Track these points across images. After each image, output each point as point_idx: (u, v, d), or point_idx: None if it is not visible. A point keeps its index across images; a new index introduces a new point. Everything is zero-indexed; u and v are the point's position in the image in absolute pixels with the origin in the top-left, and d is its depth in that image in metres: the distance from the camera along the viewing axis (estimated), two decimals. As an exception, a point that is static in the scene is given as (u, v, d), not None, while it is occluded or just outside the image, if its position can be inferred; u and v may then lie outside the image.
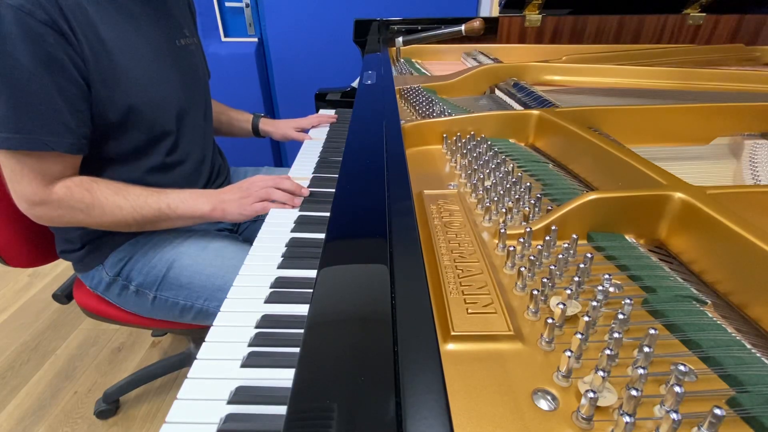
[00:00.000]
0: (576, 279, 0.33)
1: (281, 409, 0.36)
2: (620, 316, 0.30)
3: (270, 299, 0.51)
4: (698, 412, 0.24)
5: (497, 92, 0.88)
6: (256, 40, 1.90)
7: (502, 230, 0.40)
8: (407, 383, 0.22)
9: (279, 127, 1.09)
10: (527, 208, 0.44)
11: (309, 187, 0.74)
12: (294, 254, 0.59)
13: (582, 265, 0.35)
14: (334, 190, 0.45)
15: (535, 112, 0.65)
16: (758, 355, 0.28)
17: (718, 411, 0.22)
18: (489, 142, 0.61)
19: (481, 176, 0.52)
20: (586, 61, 1.04)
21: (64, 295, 0.95)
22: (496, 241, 0.41)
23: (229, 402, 0.39)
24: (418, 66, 1.14)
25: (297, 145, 1.00)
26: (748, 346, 0.28)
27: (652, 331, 0.27)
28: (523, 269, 0.35)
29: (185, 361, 1.18)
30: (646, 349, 0.26)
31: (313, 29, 1.85)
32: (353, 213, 0.40)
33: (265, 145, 2.11)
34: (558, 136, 0.61)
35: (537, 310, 0.32)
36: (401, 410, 0.21)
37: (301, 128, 1.08)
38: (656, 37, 1.27)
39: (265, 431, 0.36)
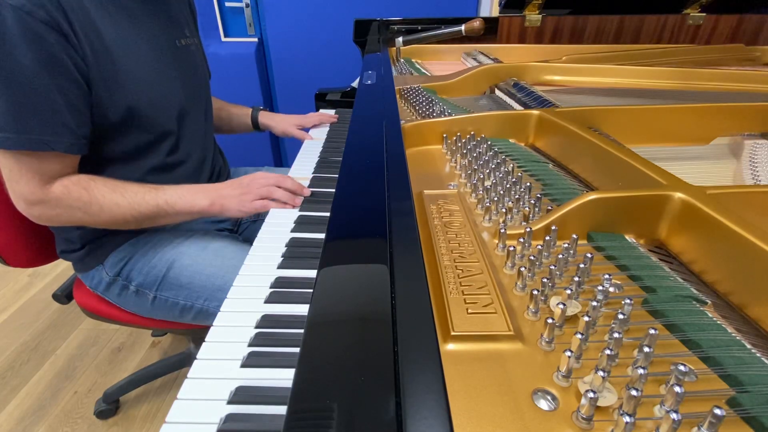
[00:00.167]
0: (576, 279, 0.33)
1: (281, 409, 0.36)
2: (620, 316, 0.30)
3: (270, 299, 0.51)
4: (698, 412, 0.24)
5: (497, 92, 0.88)
6: (256, 40, 1.90)
7: (502, 230, 0.40)
8: (407, 383, 0.22)
9: (280, 122, 1.08)
10: (527, 208, 0.44)
11: (309, 187, 0.74)
12: (294, 254, 0.59)
13: (582, 265, 0.35)
14: (334, 190, 0.45)
15: (535, 112, 0.65)
16: (758, 355, 0.28)
17: (718, 411, 0.22)
18: (489, 142, 0.61)
19: (481, 176, 0.52)
20: (586, 61, 1.04)
21: (64, 295, 0.95)
22: (496, 241, 0.41)
23: (229, 402, 0.39)
24: (418, 66, 1.14)
25: (297, 144, 1.00)
26: (748, 346, 0.28)
27: (652, 331, 0.27)
28: (523, 269, 0.35)
29: (185, 361, 1.18)
30: (646, 349, 0.26)
31: (313, 29, 1.85)
32: (353, 213, 0.40)
33: (265, 144, 2.11)
34: (558, 136, 0.61)
35: (537, 310, 0.32)
36: (401, 410, 0.21)
37: (302, 126, 1.07)
38: (656, 37, 1.27)
39: (265, 431, 0.36)
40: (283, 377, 0.41)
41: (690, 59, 1.11)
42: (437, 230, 0.42)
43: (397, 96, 0.84)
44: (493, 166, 0.54)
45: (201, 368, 0.42)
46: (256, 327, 0.47)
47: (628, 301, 0.31)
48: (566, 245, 0.38)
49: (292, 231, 0.64)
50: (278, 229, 0.65)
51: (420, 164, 0.60)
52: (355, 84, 1.29)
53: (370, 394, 0.22)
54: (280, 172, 0.87)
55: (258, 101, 1.91)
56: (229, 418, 0.37)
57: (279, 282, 0.54)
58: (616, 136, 0.62)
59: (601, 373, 0.25)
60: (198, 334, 1.03)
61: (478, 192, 0.49)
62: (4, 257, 0.85)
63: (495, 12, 1.80)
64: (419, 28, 1.27)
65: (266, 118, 1.08)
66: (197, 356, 0.43)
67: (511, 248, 0.37)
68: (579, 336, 0.27)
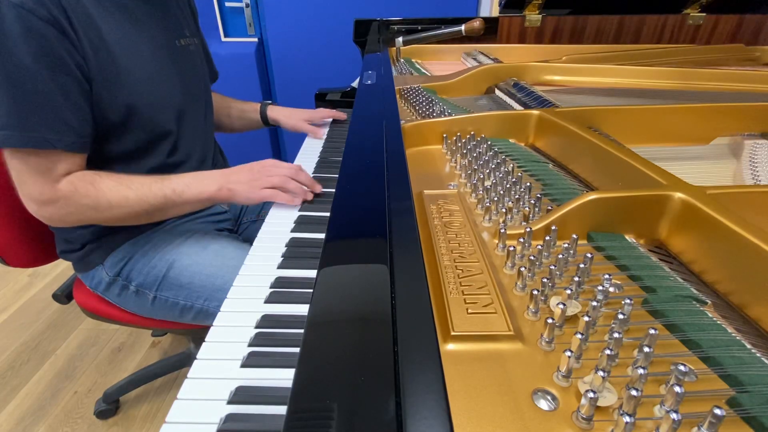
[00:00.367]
0: (576, 279, 0.33)
1: (281, 409, 0.36)
2: (620, 316, 0.30)
3: (270, 299, 0.51)
4: (698, 412, 0.24)
5: (497, 92, 0.88)
6: (256, 40, 1.90)
7: (502, 230, 0.40)
8: (407, 383, 0.22)
9: (289, 117, 1.06)
10: (527, 208, 0.44)
11: (309, 186, 0.73)
12: (294, 254, 0.59)
13: (582, 265, 0.35)
14: (334, 190, 0.45)
15: (535, 112, 0.65)
16: (758, 355, 0.28)
17: (718, 411, 0.22)
18: (489, 142, 0.61)
19: (481, 176, 0.52)
20: (586, 61, 1.04)
21: (64, 295, 0.95)
22: (496, 241, 0.41)
23: (229, 402, 0.39)
24: (418, 66, 1.14)
25: (297, 144, 1.00)
26: (748, 346, 0.28)
27: (652, 331, 0.27)
28: (523, 269, 0.35)
29: (185, 361, 1.18)
30: (646, 349, 0.26)
31: (313, 29, 1.85)
32: (353, 213, 0.40)
33: (265, 144, 2.11)
34: (558, 136, 0.61)
35: (537, 310, 0.32)
36: (401, 410, 0.21)
37: (312, 121, 1.05)
38: (656, 37, 1.27)
39: (265, 431, 0.36)
40: (283, 377, 0.41)
41: (690, 59, 1.11)
42: (437, 230, 0.42)
43: (397, 96, 0.84)
44: (493, 166, 0.54)
45: (201, 368, 0.42)
46: (256, 327, 0.47)
47: (628, 301, 0.31)
48: (566, 245, 0.38)
49: (292, 231, 0.64)
50: (278, 229, 0.65)
51: (420, 164, 0.60)
52: (355, 84, 1.29)
53: (370, 394, 0.22)
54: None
55: (258, 101, 1.91)
56: (229, 418, 0.37)
57: (279, 282, 0.54)
58: (616, 136, 0.62)
59: (601, 373, 0.25)
60: (198, 334, 1.03)
61: (478, 192, 0.49)
62: (4, 257, 0.85)
63: (495, 12, 1.81)
64: (419, 28, 1.27)
65: (275, 112, 1.07)
66: (197, 356, 0.43)
67: (511, 248, 0.37)
68: (579, 336, 0.27)
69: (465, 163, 0.57)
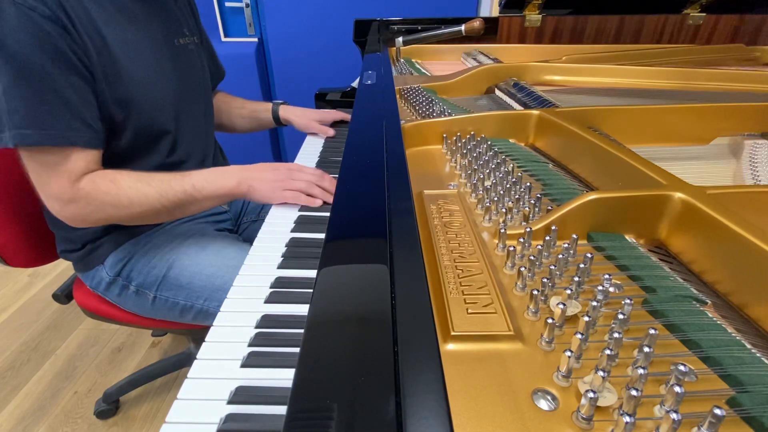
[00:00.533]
0: (576, 279, 0.33)
1: (281, 409, 0.36)
2: (620, 316, 0.30)
3: (270, 299, 0.51)
4: (698, 412, 0.24)
5: (497, 92, 0.88)
6: (256, 40, 1.90)
7: (502, 230, 0.40)
8: (407, 383, 0.22)
9: (301, 117, 1.06)
10: (527, 208, 0.44)
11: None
12: (294, 254, 0.59)
13: (582, 265, 0.35)
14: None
15: (535, 112, 0.65)
16: (758, 355, 0.28)
17: (718, 411, 0.22)
18: (489, 142, 0.61)
19: (481, 176, 0.52)
20: (586, 61, 1.04)
21: (64, 295, 0.95)
22: (496, 241, 0.41)
23: (229, 402, 0.39)
24: (418, 66, 1.14)
25: (297, 144, 1.00)
26: (748, 346, 0.28)
27: (652, 331, 0.27)
28: (523, 269, 0.35)
29: (185, 361, 1.18)
30: (646, 349, 0.26)
31: (313, 29, 1.85)
32: (353, 213, 0.40)
33: (265, 143, 2.11)
34: (558, 136, 0.61)
35: (537, 310, 0.32)
36: (401, 410, 0.21)
37: (323, 121, 1.05)
38: (656, 37, 1.27)
39: (265, 431, 0.36)
40: (283, 377, 0.41)
41: (690, 59, 1.11)
42: (437, 230, 0.42)
43: (397, 96, 0.84)
44: (493, 166, 0.54)
45: (201, 368, 0.42)
46: (256, 327, 0.47)
47: (628, 301, 0.31)
48: (566, 245, 0.38)
49: (292, 231, 0.64)
50: (278, 229, 0.65)
51: (420, 164, 0.60)
52: (355, 84, 1.29)
53: (370, 394, 0.22)
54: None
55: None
56: (229, 418, 0.37)
57: (279, 282, 0.54)
58: (616, 136, 0.62)
59: (601, 373, 0.25)
60: (198, 334, 1.03)
61: (478, 192, 0.49)
62: (4, 257, 0.85)
63: (495, 12, 1.81)
64: (419, 28, 1.27)
65: (287, 112, 1.06)
66: (197, 356, 0.43)
67: (511, 248, 0.37)
68: (579, 336, 0.27)
69: (465, 163, 0.57)
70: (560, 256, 0.37)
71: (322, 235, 0.53)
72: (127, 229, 0.79)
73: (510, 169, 0.54)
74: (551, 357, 0.29)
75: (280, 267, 0.57)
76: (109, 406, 1.16)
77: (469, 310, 0.31)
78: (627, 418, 0.23)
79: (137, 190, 0.67)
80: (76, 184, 0.64)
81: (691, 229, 0.38)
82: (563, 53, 1.14)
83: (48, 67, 0.59)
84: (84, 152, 0.65)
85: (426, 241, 0.40)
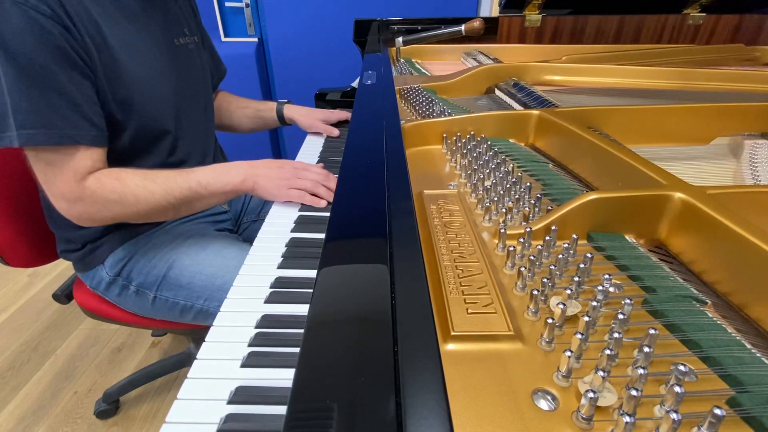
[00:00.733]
0: (576, 279, 0.33)
1: (281, 409, 0.36)
2: (620, 316, 0.30)
3: (270, 299, 0.51)
4: (698, 412, 0.24)
5: (497, 92, 0.88)
6: (256, 40, 1.90)
7: (502, 230, 0.40)
8: (407, 383, 0.22)
9: (306, 116, 1.06)
10: (527, 208, 0.44)
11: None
12: (294, 254, 0.59)
13: (582, 265, 0.35)
14: (334, 190, 0.45)
15: (535, 112, 0.65)
16: (758, 355, 0.28)
17: (718, 411, 0.22)
18: (489, 142, 0.61)
19: (481, 176, 0.52)
20: (586, 61, 1.04)
21: (64, 295, 0.95)
22: (496, 241, 0.41)
23: (229, 402, 0.39)
24: (418, 66, 1.14)
25: (296, 144, 1.00)
26: (748, 346, 0.28)
27: (652, 331, 0.27)
28: (523, 269, 0.35)
29: (185, 361, 1.18)
30: (646, 349, 0.26)
31: (313, 29, 1.85)
32: (353, 213, 0.40)
33: (265, 143, 2.11)
34: (558, 136, 0.60)
35: (537, 310, 0.32)
36: (401, 410, 0.21)
37: (327, 121, 1.05)
38: (656, 37, 1.27)
39: (265, 431, 0.36)
40: (283, 377, 0.41)
41: (690, 59, 1.11)
42: (437, 230, 0.42)
43: (397, 96, 0.84)
44: (493, 166, 0.54)
45: (201, 368, 0.42)
46: (256, 327, 0.47)
47: (628, 301, 0.31)
48: (566, 245, 0.38)
49: (292, 231, 0.64)
50: (278, 229, 0.65)
51: (420, 164, 0.60)
52: (355, 84, 1.29)
53: (370, 394, 0.22)
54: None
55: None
56: (229, 418, 0.37)
57: (279, 282, 0.54)
58: (616, 136, 0.62)
59: (601, 373, 0.25)
60: (198, 334, 1.03)
61: (478, 192, 0.49)
62: (4, 257, 0.85)
63: (495, 12, 1.80)
64: (419, 28, 1.27)
65: (291, 111, 1.07)
66: (197, 356, 0.43)
67: (511, 248, 0.37)
68: (579, 336, 0.27)
69: (465, 163, 0.57)
70: (560, 256, 0.37)
71: (322, 235, 0.53)
72: (127, 228, 0.79)
73: (510, 169, 0.54)
74: (551, 357, 0.29)
75: (280, 267, 0.57)
76: (109, 406, 1.16)
77: (469, 310, 0.31)
78: (627, 418, 0.23)
79: (143, 187, 0.67)
80: (82, 183, 0.64)
81: (691, 229, 0.38)
82: (563, 53, 1.14)
83: (51, 66, 0.59)
84: (89, 150, 0.65)
85: (426, 241, 0.40)
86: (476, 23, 1.17)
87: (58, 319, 1.50)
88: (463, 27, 1.18)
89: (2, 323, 1.49)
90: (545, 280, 0.33)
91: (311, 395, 0.22)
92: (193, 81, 0.84)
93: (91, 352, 1.37)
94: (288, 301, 0.51)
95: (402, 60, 1.18)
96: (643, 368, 0.24)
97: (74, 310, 1.52)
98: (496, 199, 0.46)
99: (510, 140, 0.66)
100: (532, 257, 0.36)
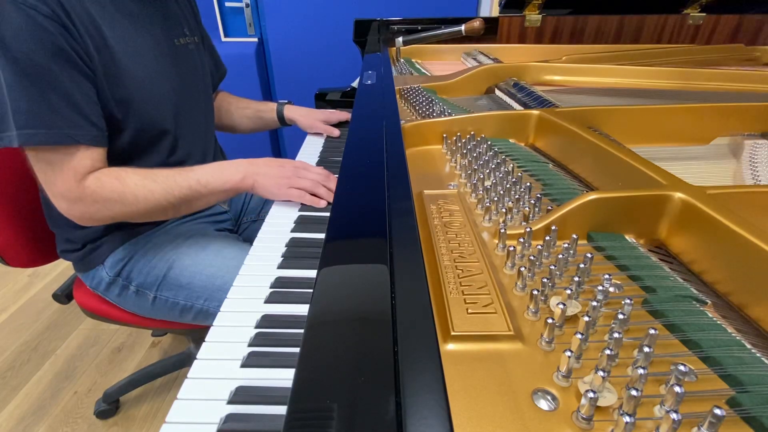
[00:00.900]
0: (576, 279, 0.33)
1: (281, 409, 0.36)
2: (620, 316, 0.30)
3: (270, 299, 0.51)
4: (698, 412, 0.24)
5: (497, 92, 0.88)
6: (256, 40, 1.90)
7: (502, 230, 0.40)
8: (407, 383, 0.22)
9: (306, 116, 1.05)
10: (527, 208, 0.44)
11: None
12: (294, 254, 0.59)
13: (582, 265, 0.35)
14: (334, 190, 0.45)
15: (535, 112, 0.65)
16: (758, 355, 0.28)
17: (718, 411, 0.22)
18: (489, 142, 0.61)
19: (481, 176, 0.52)
20: (586, 61, 1.04)
21: (64, 295, 0.95)
22: (496, 241, 0.41)
23: (229, 402, 0.39)
24: (418, 66, 1.14)
25: (296, 144, 1.00)
26: (748, 346, 0.28)
27: (652, 331, 0.27)
28: (523, 269, 0.35)
29: (185, 361, 1.18)
30: (646, 349, 0.26)
31: (313, 29, 1.85)
32: (353, 213, 0.40)
33: (265, 142, 2.11)
34: (558, 136, 0.61)
35: (537, 310, 0.32)
36: (401, 410, 0.21)
37: (328, 121, 1.05)
38: (656, 37, 1.27)
39: (265, 431, 0.36)
40: (283, 377, 0.41)
41: (690, 59, 1.11)
42: (437, 230, 0.42)
43: (397, 96, 0.84)
44: (493, 166, 0.54)
45: (201, 368, 0.42)
46: (256, 327, 0.47)
47: (628, 301, 0.31)
48: (566, 245, 0.38)
49: (292, 231, 0.64)
50: (278, 229, 0.65)
51: (420, 164, 0.60)
52: (355, 84, 1.29)
53: (370, 394, 0.22)
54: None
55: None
56: (229, 418, 0.37)
57: (279, 282, 0.54)
58: (616, 136, 0.62)
59: (601, 373, 0.25)
60: (198, 334, 1.03)
61: (478, 192, 0.49)
62: (4, 257, 0.85)
63: (495, 12, 1.81)
64: (419, 28, 1.27)
65: (291, 112, 1.06)
66: (197, 356, 0.43)
67: (511, 248, 0.37)
68: (579, 336, 0.27)
69: (465, 163, 0.57)
70: (560, 256, 0.37)
71: (322, 235, 0.53)
72: (127, 229, 0.79)
73: (510, 169, 0.54)
74: (551, 357, 0.29)
75: (280, 267, 0.57)
76: (109, 406, 1.16)
77: (469, 310, 0.31)
78: (627, 418, 0.23)
79: (143, 186, 0.67)
80: (82, 183, 0.65)
81: (691, 229, 0.38)
82: (563, 53, 1.14)
83: (51, 66, 0.59)
84: (89, 150, 0.65)
85: (426, 241, 0.40)
86: (476, 23, 1.17)
87: (58, 319, 1.50)
88: (463, 27, 1.18)
89: (2, 323, 1.49)
90: (545, 280, 0.33)
91: (311, 395, 0.22)
92: (193, 81, 0.84)
93: (91, 352, 1.37)
94: (288, 301, 0.51)
95: (402, 60, 1.18)
96: (643, 368, 0.24)
97: (74, 310, 1.52)
98: (496, 199, 0.46)
99: (510, 140, 0.66)
100: (532, 257, 0.36)
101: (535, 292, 0.32)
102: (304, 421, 0.21)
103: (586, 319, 0.28)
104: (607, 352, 0.26)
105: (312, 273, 0.53)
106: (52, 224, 0.81)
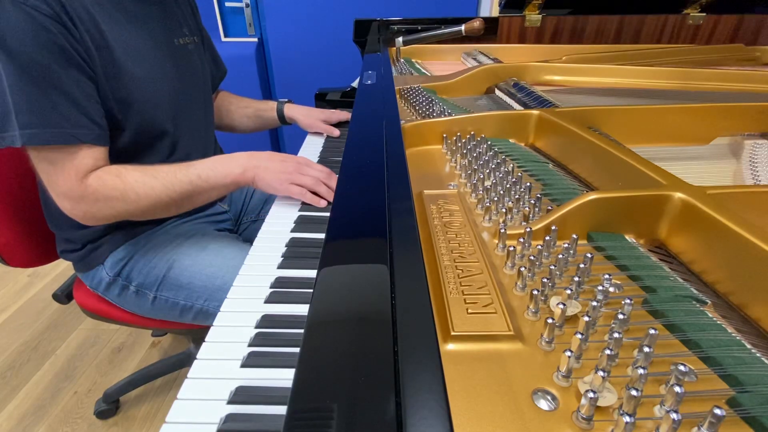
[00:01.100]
0: (576, 279, 0.33)
1: (281, 409, 0.36)
2: (620, 316, 0.30)
3: (270, 299, 0.51)
4: (698, 412, 0.24)
5: (497, 92, 0.88)
6: (256, 40, 1.90)
7: (502, 230, 0.40)
8: (407, 383, 0.22)
9: (306, 116, 1.05)
10: (527, 208, 0.44)
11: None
12: (294, 254, 0.59)
13: (582, 265, 0.35)
14: (334, 190, 0.45)
15: (535, 112, 0.65)
16: (758, 355, 0.28)
17: (718, 411, 0.22)
18: (489, 142, 0.61)
19: (481, 176, 0.52)
20: (586, 61, 1.04)
21: (64, 295, 0.95)
22: (496, 241, 0.41)
23: (229, 402, 0.39)
24: (418, 66, 1.14)
25: (296, 144, 1.00)
26: (748, 346, 0.28)
27: (652, 331, 0.27)
28: (523, 269, 0.35)
29: (185, 361, 1.18)
30: (646, 349, 0.26)
31: (313, 29, 1.85)
32: (353, 213, 0.40)
33: (265, 143, 2.11)
34: (558, 136, 0.61)
35: (537, 310, 0.32)
36: (401, 410, 0.21)
37: (328, 121, 1.05)
38: (656, 37, 1.27)
39: (265, 431, 0.36)
40: (283, 377, 0.41)
41: (690, 59, 1.11)
42: (437, 230, 0.42)
43: (397, 96, 0.84)
44: (493, 166, 0.54)
45: (201, 368, 0.42)
46: (256, 327, 0.47)
47: (628, 301, 0.31)
48: (566, 245, 0.38)
49: (292, 231, 0.64)
50: (278, 229, 0.65)
51: (420, 164, 0.60)
52: (355, 84, 1.29)
53: (370, 394, 0.22)
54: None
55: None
56: (229, 418, 0.37)
57: (279, 282, 0.54)
58: (616, 136, 0.62)
59: (601, 373, 0.25)
60: (198, 334, 1.03)
61: (478, 192, 0.49)
62: (4, 257, 0.85)
63: (495, 12, 1.81)
64: (419, 28, 1.27)
65: (292, 111, 1.06)
66: (197, 356, 0.43)
67: (511, 248, 0.37)
68: (579, 336, 0.27)
69: (465, 163, 0.57)
70: (560, 256, 0.37)
71: (322, 235, 0.53)
72: (127, 229, 0.79)
73: (510, 169, 0.54)
74: (551, 357, 0.29)
75: (280, 267, 0.57)
76: (109, 406, 1.16)
77: (469, 310, 0.31)
78: (627, 418, 0.23)
79: (144, 183, 0.67)
80: (84, 181, 0.65)
81: (691, 229, 0.38)
82: (563, 53, 1.14)
83: (52, 65, 0.59)
84: (91, 149, 0.65)
85: (426, 241, 0.40)
86: (476, 23, 1.17)
87: (58, 319, 1.50)
88: (463, 27, 1.18)
89: (2, 323, 1.49)
90: (545, 280, 0.33)
91: (311, 395, 0.22)
92: (193, 81, 0.84)
93: (91, 352, 1.37)
94: (288, 301, 0.50)
95: (402, 60, 1.18)
96: (643, 368, 0.24)
97: (74, 310, 1.52)
98: (496, 199, 0.46)
99: (510, 140, 0.66)
100: (532, 257, 0.36)
101: (535, 292, 0.32)
102: (305, 421, 0.21)
103: (586, 319, 0.28)
104: (607, 352, 0.26)
105: (312, 273, 0.53)
106: (51, 224, 0.81)
